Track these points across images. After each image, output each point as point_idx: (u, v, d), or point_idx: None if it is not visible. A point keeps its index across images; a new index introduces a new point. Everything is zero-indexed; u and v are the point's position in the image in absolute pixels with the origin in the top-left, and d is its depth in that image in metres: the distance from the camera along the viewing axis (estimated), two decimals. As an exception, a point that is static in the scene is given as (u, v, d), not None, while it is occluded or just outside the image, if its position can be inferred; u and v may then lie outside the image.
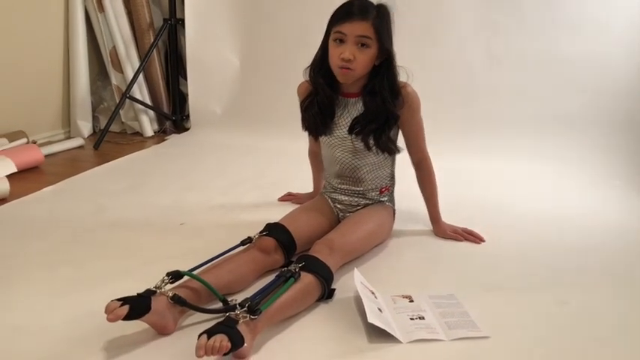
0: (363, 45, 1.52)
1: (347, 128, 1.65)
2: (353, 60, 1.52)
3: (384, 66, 1.58)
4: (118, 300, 1.16)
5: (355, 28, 1.51)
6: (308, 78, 1.67)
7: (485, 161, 2.71)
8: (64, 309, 1.34)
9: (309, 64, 1.65)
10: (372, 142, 1.63)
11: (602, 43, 2.83)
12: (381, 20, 1.53)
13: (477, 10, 2.95)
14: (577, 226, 2.00)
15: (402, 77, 1.64)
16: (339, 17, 1.54)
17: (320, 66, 1.62)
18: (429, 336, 1.26)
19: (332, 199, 1.78)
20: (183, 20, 3.28)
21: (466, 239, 1.80)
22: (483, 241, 1.80)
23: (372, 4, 1.54)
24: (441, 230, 1.83)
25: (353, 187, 1.74)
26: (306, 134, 1.79)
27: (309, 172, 2.01)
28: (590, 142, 2.79)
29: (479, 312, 1.36)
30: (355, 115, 1.64)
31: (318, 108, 1.66)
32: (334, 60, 1.55)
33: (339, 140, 1.68)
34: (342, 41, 1.53)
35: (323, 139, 1.72)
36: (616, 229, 1.98)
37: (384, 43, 1.53)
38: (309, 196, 2.01)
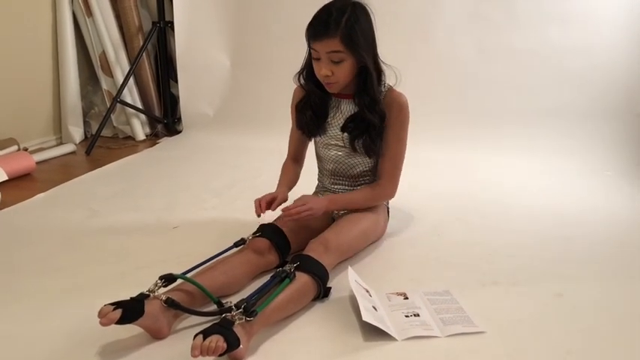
0: (336, 61, 1.49)
1: (340, 128, 1.65)
2: (331, 75, 1.51)
3: (363, 72, 1.56)
4: (111, 304, 1.15)
5: (324, 46, 1.48)
6: (298, 84, 1.67)
7: (477, 154, 2.73)
8: (58, 315, 1.34)
9: (299, 63, 1.65)
10: (358, 144, 1.62)
11: (591, 34, 2.83)
12: (351, 30, 1.47)
13: (466, 4, 2.96)
14: (570, 218, 2.01)
15: (390, 78, 1.63)
16: (309, 34, 1.51)
17: (308, 72, 1.62)
18: (425, 333, 1.26)
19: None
20: (172, 23, 3.26)
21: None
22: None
23: (340, 11, 1.47)
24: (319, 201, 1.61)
25: (347, 187, 1.74)
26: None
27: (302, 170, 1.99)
28: (582, 133, 2.80)
29: (474, 307, 1.37)
30: (348, 115, 1.64)
31: (311, 110, 1.66)
32: (318, 75, 1.56)
33: (333, 140, 1.68)
34: (318, 58, 1.52)
35: (317, 139, 1.72)
36: (609, 220, 1.99)
37: (357, 53, 1.50)
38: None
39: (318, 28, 1.48)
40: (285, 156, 1.83)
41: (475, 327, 1.28)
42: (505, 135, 2.84)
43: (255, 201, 1.59)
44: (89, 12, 3.17)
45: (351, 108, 1.64)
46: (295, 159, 1.81)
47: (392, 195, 1.73)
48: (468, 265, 1.62)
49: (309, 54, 1.57)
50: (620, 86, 2.83)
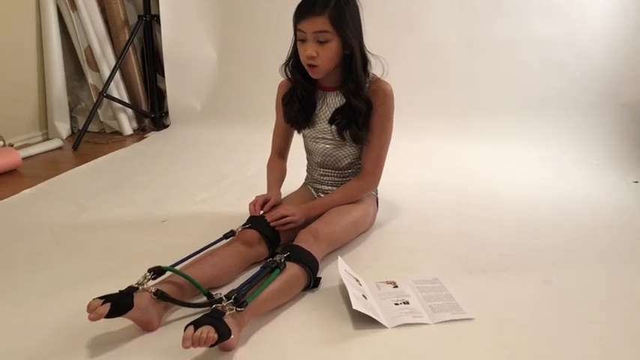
0: (322, 41, 1.50)
1: (327, 121, 1.65)
2: (316, 57, 1.51)
3: (348, 59, 1.56)
4: (100, 298, 1.15)
5: (311, 25, 1.49)
6: (284, 75, 1.67)
7: (464, 145, 2.75)
8: (46, 310, 1.33)
9: (286, 56, 1.64)
10: (346, 133, 1.63)
11: (577, 25, 2.85)
12: (340, 11, 1.48)
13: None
14: (558, 206, 2.03)
15: (377, 68, 1.63)
16: (297, 15, 1.52)
17: (295, 63, 1.62)
18: (414, 320, 1.27)
19: (315, 188, 1.79)
20: (158, 16, 3.24)
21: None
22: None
23: None
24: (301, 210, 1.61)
25: (336, 179, 1.74)
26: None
27: (290, 164, 1.98)
28: (568, 123, 2.83)
29: (463, 294, 1.38)
30: (334, 108, 1.64)
31: (299, 103, 1.66)
32: (302, 59, 1.55)
33: (321, 133, 1.68)
34: (304, 40, 1.52)
35: (305, 131, 1.72)
36: (595, 208, 2.02)
37: (344, 35, 1.50)
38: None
39: (307, 7, 1.49)
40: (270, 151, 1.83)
41: (464, 314, 1.30)
42: (491, 125, 2.86)
43: (250, 204, 1.62)
44: (74, 6, 3.14)
45: (337, 100, 1.65)
46: (280, 154, 1.81)
47: (375, 185, 1.74)
48: (457, 254, 1.63)
49: (295, 43, 1.57)
50: (606, 76, 2.85)
